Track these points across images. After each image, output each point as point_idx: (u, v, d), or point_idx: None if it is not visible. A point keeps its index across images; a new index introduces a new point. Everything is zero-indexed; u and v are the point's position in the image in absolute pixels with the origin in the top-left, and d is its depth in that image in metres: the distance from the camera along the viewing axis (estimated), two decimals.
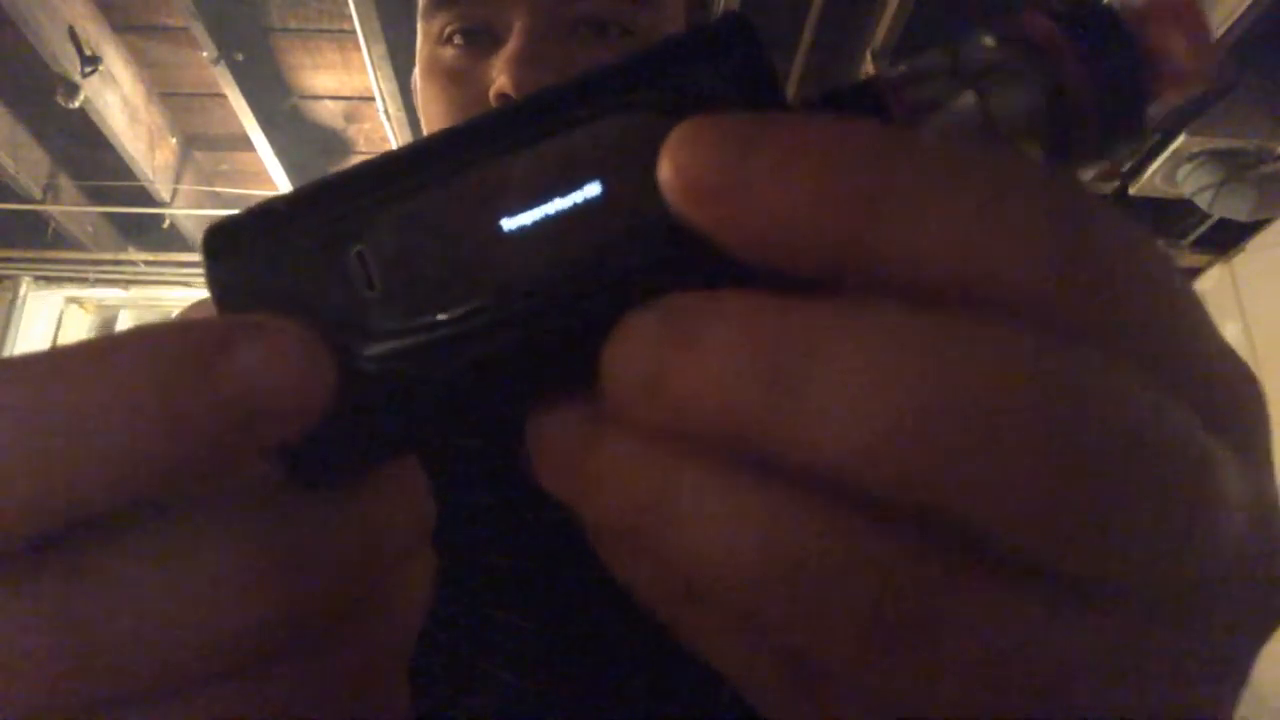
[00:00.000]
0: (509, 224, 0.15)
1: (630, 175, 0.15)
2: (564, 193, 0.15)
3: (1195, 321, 0.14)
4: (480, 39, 0.49)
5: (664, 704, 0.40)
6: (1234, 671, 0.16)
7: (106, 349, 0.13)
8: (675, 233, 0.14)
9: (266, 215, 0.16)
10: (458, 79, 0.49)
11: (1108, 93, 0.16)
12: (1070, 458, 0.12)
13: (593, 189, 0.15)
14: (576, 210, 0.15)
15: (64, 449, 0.12)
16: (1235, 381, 0.15)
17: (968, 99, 0.16)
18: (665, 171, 0.14)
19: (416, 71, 0.55)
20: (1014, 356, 0.12)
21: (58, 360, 0.13)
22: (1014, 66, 0.16)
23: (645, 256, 0.15)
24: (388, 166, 0.16)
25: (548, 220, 0.15)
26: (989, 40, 0.17)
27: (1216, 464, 0.13)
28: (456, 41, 0.50)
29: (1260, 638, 0.16)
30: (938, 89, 0.17)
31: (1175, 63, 0.16)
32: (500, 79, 0.46)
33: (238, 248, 0.16)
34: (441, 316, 0.15)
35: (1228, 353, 0.15)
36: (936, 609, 0.12)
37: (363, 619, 0.16)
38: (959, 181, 0.13)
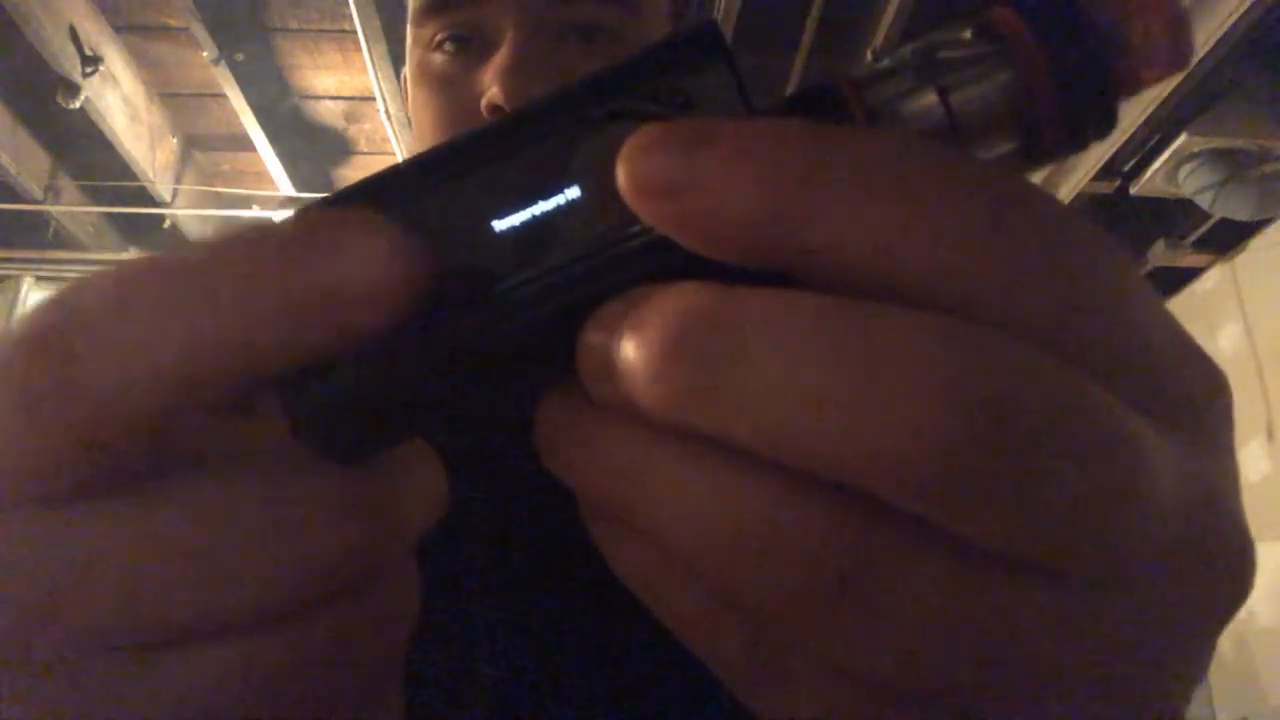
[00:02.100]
0: (500, 225, 0.16)
1: (609, 181, 0.15)
2: (547, 197, 0.16)
3: (1136, 309, 0.15)
4: (471, 45, 0.49)
5: (659, 705, 0.40)
6: (1179, 654, 0.16)
7: (230, 239, 0.15)
8: (646, 234, 0.16)
9: None
10: (448, 86, 0.49)
11: (1074, 85, 0.16)
12: (978, 434, 0.12)
13: (573, 192, 0.16)
14: (560, 213, 0.16)
15: (196, 326, 0.14)
16: (1181, 367, 0.16)
17: (929, 97, 0.16)
18: (621, 174, 0.15)
19: (406, 74, 0.55)
20: (919, 340, 0.13)
21: (179, 259, 0.14)
22: (979, 61, 0.16)
23: (625, 255, 0.16)
24: (389, 179, 0.17)
25: (535, 222, 0.16)
26: (960, 34, 0.17)
27: (1140, 446, 0.13)
28: (447, 48, 0.50)
29: (1208, 621, 0.16)
30: (899, 88, 0.17)
31: (1146, 51, 0.16)
32: (492, 90, 0.46)
33: None
34: (439, 311, 0.16)
35: (1178, 339, 0.16)
36: (882, 578, 0.13)
37: (384, 587, 0.17)
38: (884, 179, 0.14)
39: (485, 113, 0.47)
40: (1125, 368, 0.14)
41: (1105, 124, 0.17)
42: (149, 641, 0.15)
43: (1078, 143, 0.17)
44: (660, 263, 0.15)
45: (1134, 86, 0.16)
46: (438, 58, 0.50)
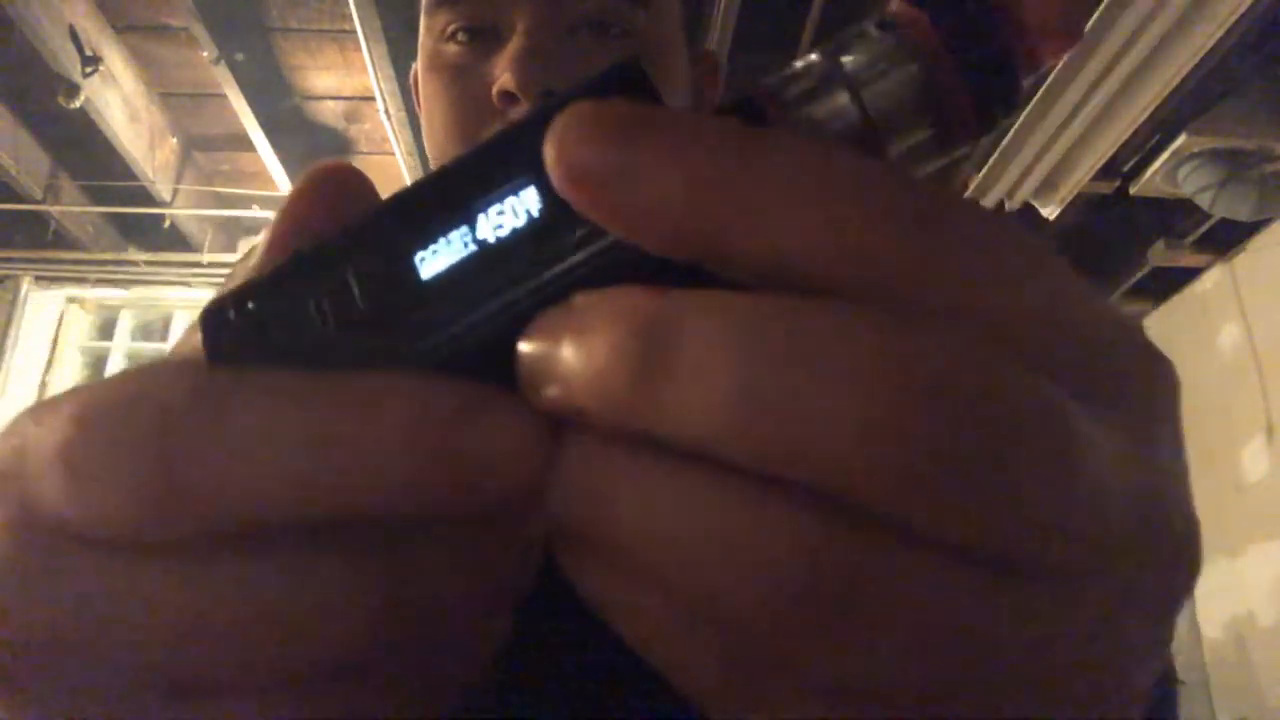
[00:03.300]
0: (427, 258, 0.17)
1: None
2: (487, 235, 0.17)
3: (1072, 300, 0.15)
4: (483, 36, 0.49)
5: None
6: (1143, 639, 0.16)
7: (379, 393, 0.15)
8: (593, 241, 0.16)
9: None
10: (460, 76, 0.50)
11: (976, 69, 0.16)
12: (912, 429, 0.13)
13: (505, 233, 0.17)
14: (503, 247, 0.16)
15: (338, 464, 0.14)
16: (1120, 354, 0.16)
17: (841, 98, 0.17)
18: (549, 156, 0.14)
19: (417, 67, 0.55)
20: (849, 336, 0.13)
21: (339, 393, 0.15)
22: (885, 57, 0.17)
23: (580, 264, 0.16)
24: (359, 225, 0.18)
25: (469, 256, 0.16)
26: (868, 32, 0.17)
27: (1079, 432, 0.14)
28: (459, 38, 0.50)
29: (1166, 606, 0.16)
30: (812, 91, 0.17)
31: (1041, 29, 0.17)
32: (504, 76, 0.46)
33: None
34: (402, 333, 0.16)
35: (1117, 328, 0.16)
36: (856, 581, 0.13)
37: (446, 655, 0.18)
38: (811, 181, 0.14)
39: (496, 100, 0.47)
40: (1060, 357, 0.14)
41: (1010, 103, 0.17)
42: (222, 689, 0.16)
43: (986, 124, 0.17)
44: (600, 268, 0.16)
45: (1034, 64, 0.17)
46: (450, 48, 0.50)
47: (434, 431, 0.14)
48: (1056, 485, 0.13)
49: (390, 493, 0.14)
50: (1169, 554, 0.16)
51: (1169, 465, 0.17)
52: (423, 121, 0.56)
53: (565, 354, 0.14)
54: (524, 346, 0.15)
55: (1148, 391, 0.16)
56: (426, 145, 0.55)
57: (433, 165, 0.54)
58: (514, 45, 0.47)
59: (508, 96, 0.47)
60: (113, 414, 0.15)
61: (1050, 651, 0.14)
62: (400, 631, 0.15)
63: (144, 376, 0.16)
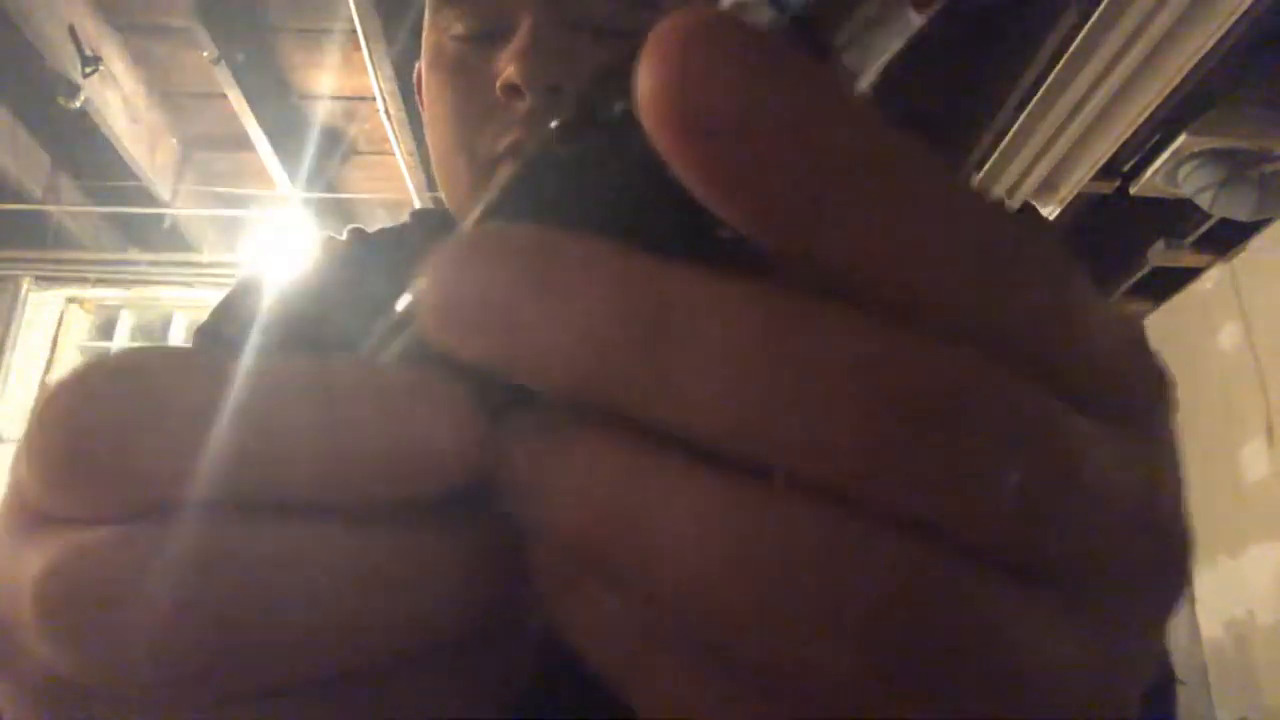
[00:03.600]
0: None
1: None
2: None
3: (1076, 305, 0.14)
4: (487, 34, 0.50)
5: None
6: (1142, 650, 0.16)
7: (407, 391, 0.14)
8: None
9: None
10: (464, 71, 0.50)
11: None
12: (915, 443, 0.12)
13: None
14: None
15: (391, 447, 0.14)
16: (1128, 366, 0.15)
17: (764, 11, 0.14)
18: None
19: (421, 65, 0.55)
20: (856, 337, 0.12)
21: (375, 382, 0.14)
22: None
23: None
24: None
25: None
26: None
27: (1078, 437, 0.13)
28: (464, 36, 0.50)
29: (1156, 616, 0.16)
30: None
31: None
32: (508, 70, 0.46)
33: None
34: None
35: (1123, 337, 0.15)
36: (951, 616, 0.12)
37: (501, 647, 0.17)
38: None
39: (500, 94, 0.47)
40: (1063, 365, 0.14)
41: None
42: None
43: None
44: None
45: None
46: (454, 44, 0.50)
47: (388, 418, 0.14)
48: (1057, 491, 0.13)
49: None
50: (1166, 560, 0.15)
51: (1167, 475, 0.16)
52: (425, 119, 0.55)
53: (529, 309, 0.13)
54: (430, 274, 0.13)
55: (1149, 402, 0.16)
56: (429, 141, 0.55)
57: (434, 161, 0.54)
58: (519, 40, 0.47)
59: (512, 90, 0.46)
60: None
61: (1053, 655, 0.13)
62: None
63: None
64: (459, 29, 0.50)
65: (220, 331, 0.59)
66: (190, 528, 0.13)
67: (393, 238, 0.62)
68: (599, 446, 0.13)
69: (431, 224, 0.63)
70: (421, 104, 0.56)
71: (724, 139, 0.11)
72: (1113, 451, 0.14)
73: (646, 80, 0.12)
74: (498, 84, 0.47)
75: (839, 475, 0.12)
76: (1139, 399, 0.16)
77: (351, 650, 0.14)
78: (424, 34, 0.53)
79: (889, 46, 0.16)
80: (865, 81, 0.16)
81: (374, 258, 0.62)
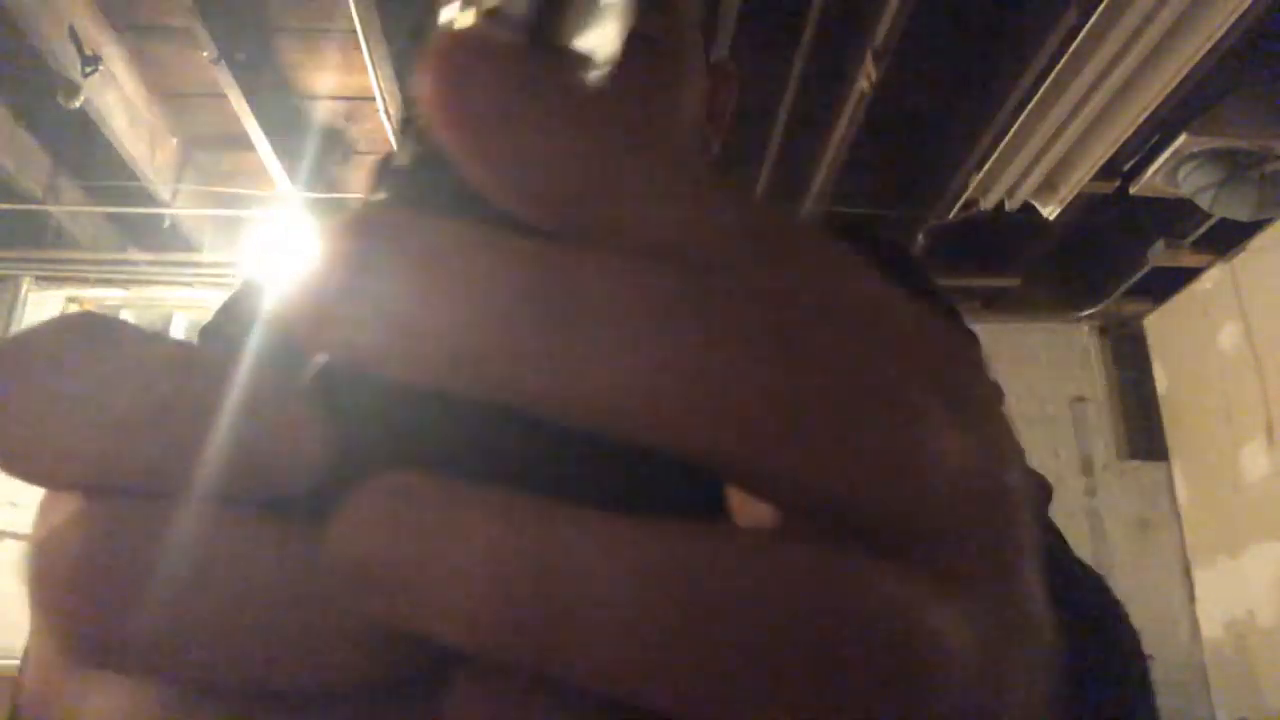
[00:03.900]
0: None
1: None
2: None
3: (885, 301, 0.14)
4: None
5: None
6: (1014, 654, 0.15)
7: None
8: None
9: None
10: None
11: None
12: (797, 406, 0.12)
13: None
14: None
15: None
16: (944, 339, 0.15)
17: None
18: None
19: None
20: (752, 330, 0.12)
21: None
22: None
23: None
24: None
25: None
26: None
27: (927, 415, 0.13)
28: None
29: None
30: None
31: None
32: None
33: None
34: None
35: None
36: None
37: None
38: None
39: None
40: (900, 341, 0.14)
41: None
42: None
43: None
44: None
45: None
46: None
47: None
48: (913, 464, 0.12)
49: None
50: (996, 527, 0.14)
51: (996, 442, 0.15)
52: None
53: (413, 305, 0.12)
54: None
55: (967, 376, 0.15)
56: None
57: None
58: None
59: None
60: None
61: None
62: None
63: None
64: None
65: (223, 330, 0.60)
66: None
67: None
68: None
69: None
70: None
71: (483, 131, 0.12)
72: (945, 426, 0.13)
73: (423, 88, 0.13)
74: None
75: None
76: (960, 371, 0.15)
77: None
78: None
79: (612, 23, 0.17)
80: (608, 51, 0.16)
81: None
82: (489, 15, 0.15)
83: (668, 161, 0.13)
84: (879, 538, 0.13)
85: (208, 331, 0.61)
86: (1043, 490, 0.57)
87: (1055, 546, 0.50)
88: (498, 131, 0.12)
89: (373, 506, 0.12)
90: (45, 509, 0.15)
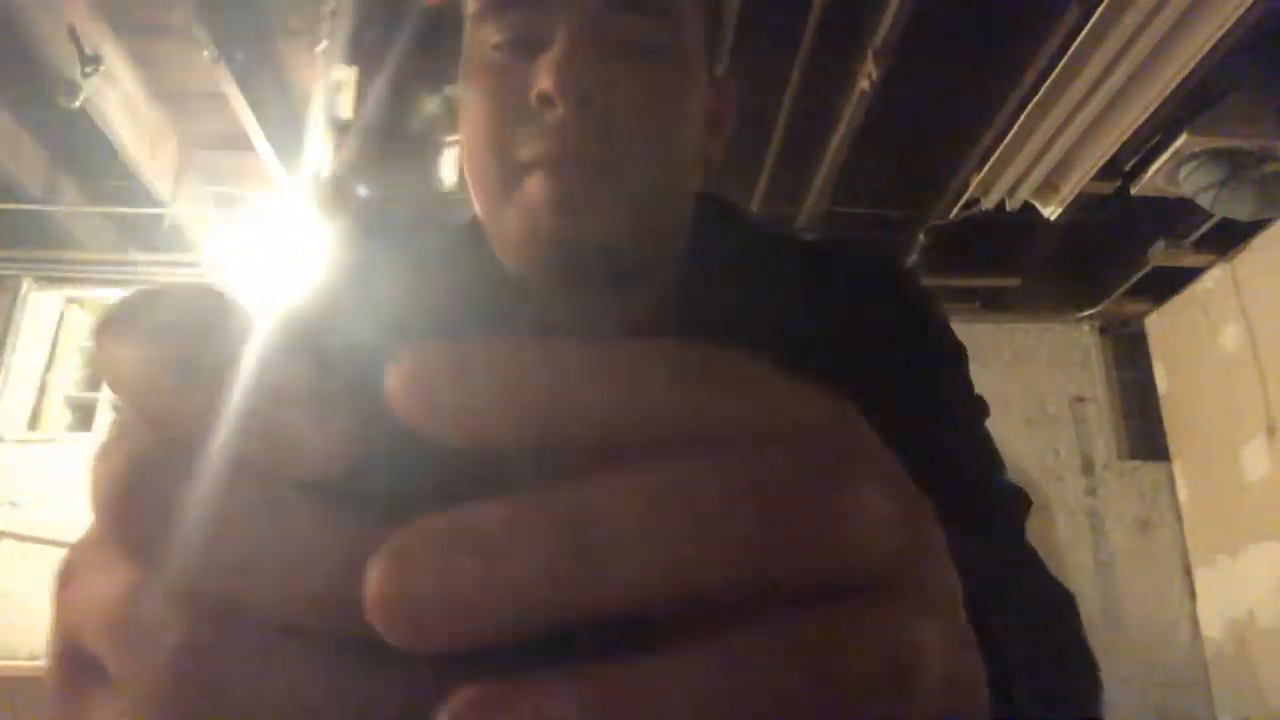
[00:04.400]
0: None
1: None
2: None
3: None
4: (526, 46, 0.53)
5: None
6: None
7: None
8: None
9: None
10: (501, 78, 0.53)
11: None
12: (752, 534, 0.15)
13: None
14: None
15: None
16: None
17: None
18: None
19: (461, 70, 0.59)
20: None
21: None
22: None
23: None
24: None
25: None
26: None
27: (857, 506, 0.16)
28: (503, 47, 0.54)
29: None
30: None
31: None
32: (543, 81, 0.50)
33: None
34: None
35: (888, 528, 0.18)
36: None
37: None
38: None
39: (535, 102, 0.51)
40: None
41: None
42: None
43: None
44: None
45: None
46: (494, 54, 0.54)
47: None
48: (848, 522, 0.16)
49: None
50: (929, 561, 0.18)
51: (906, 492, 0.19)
52: (460, 120, 0.59)
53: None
54: None
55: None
56: (462, 141, 0.59)
57: (465, 159, 0.58)
58: (555, 53, 0.50)
59: (545, 100, 0.50)
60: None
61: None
62: None
63: None
64: (497, 39, 0.54)
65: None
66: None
67: (402, 235, 0.65)
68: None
69: (433, 255, 0.65)
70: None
71: (437, 410, 0.16)
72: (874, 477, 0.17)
73: (392, 383, 0.16)
74: (533, 93, 0.51)
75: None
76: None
77: None
78: (464, 46, 0.57)
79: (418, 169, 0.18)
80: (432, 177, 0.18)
81: (381, 260, 0.63)
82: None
83: (593, 367, 0.16)
84: (833, 589, 0.16)
85: None
86: (1026, 501, 0.59)
87: (1022, 561, 0.53)
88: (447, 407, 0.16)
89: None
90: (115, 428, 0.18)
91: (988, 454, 0.62)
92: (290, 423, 0.17)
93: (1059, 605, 0.49)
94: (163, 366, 0.17)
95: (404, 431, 0.16)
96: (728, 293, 0.61)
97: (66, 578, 0.19)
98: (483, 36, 0.55)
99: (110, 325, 0.18)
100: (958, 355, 0.64)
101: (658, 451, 0.16)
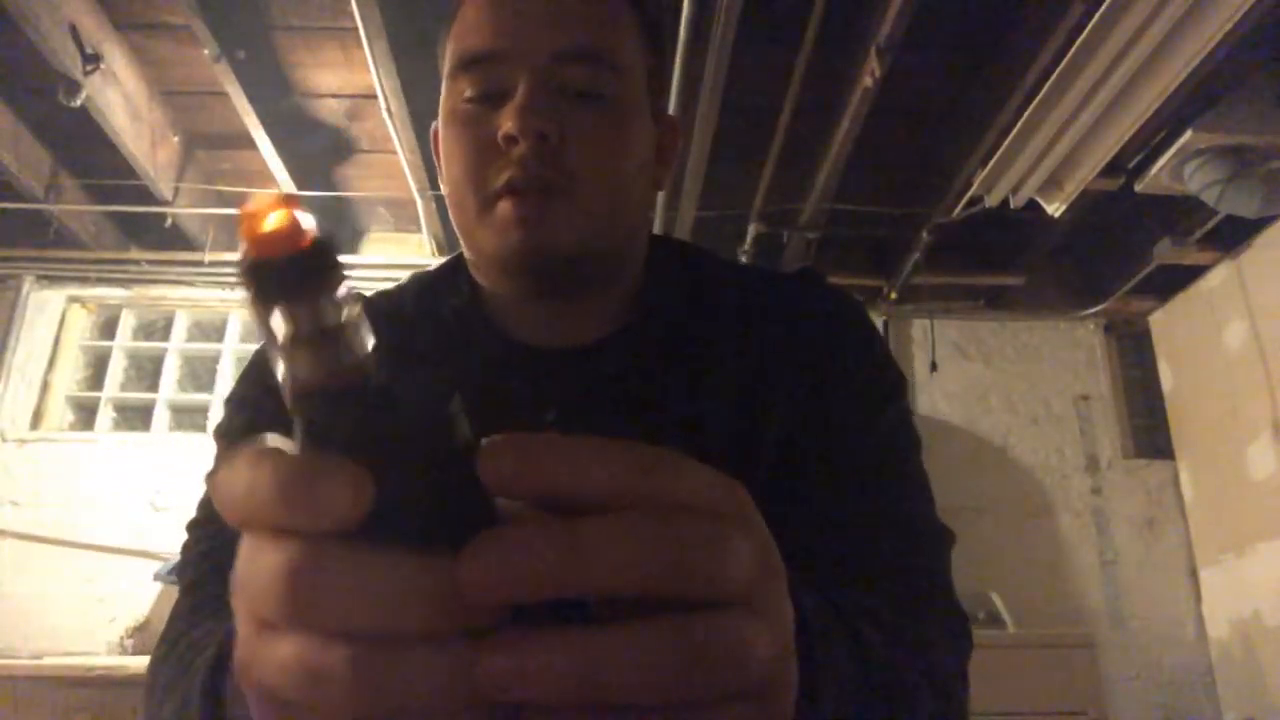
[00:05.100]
0: None
1: None
2: None
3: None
4: (492, 97, 0.64)
5: None
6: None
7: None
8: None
9: None
10: (473, 125, 0.65)
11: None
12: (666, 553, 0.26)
13: None
14: None
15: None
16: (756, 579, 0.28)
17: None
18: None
19: (439, 123, 0.70)
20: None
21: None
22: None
23: None
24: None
25: None
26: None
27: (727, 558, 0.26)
28: (473, 99, 0.65)
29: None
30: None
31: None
32: (507, 124, 0.62)
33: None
34: None
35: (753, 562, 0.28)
36: None
37: None
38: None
39: (501, 142, 0.62)
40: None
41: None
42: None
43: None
44: None
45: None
46: (466, 107, 0.65)
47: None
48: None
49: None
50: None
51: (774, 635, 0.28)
52: (441, 166, 0.70)
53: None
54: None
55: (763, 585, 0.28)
56: (443, 185, 0.70)
57: (447, 196, 0.69)
58: (516, 101, 0.62)
59: (510, 139, 0.62)
60: None
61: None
62: None
63: None
64: (469, 93, 0.65)
65: (248, 399, 0.71)
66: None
67: (390, 305, 0.75)
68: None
69: (427, 290, 0.76)
70: (437, 155, 0.71)
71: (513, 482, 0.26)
72: (739, 630, 0.26)
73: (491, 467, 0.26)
74: (500, 134, 0.62)
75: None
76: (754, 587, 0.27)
77: None
78: (441, 99, 0.69)
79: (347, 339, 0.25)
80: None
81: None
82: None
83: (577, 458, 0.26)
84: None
85: (233, 400, 0.72)
86: (948, 536, 0.66)
87: (916, 595, 0.59)
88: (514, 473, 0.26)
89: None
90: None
91: (915, 486, 0.67)
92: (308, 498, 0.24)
93: (927, 648, 0.54)
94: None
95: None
96: (681, 312, 0.71)
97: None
98: (457, 90, 0.66)
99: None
100: (896, 386, 0.71)
101: (619, 509, 0.25)
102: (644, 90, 0.70)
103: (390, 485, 0.24)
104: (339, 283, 0.24)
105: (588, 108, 0.64)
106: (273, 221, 0.24)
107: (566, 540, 0.24)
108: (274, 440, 0.26)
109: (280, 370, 0.25)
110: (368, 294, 0.77)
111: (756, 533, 0.28)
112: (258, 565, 0.25)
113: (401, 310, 0.74)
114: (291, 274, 0.24)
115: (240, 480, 0.25)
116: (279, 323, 0.24)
